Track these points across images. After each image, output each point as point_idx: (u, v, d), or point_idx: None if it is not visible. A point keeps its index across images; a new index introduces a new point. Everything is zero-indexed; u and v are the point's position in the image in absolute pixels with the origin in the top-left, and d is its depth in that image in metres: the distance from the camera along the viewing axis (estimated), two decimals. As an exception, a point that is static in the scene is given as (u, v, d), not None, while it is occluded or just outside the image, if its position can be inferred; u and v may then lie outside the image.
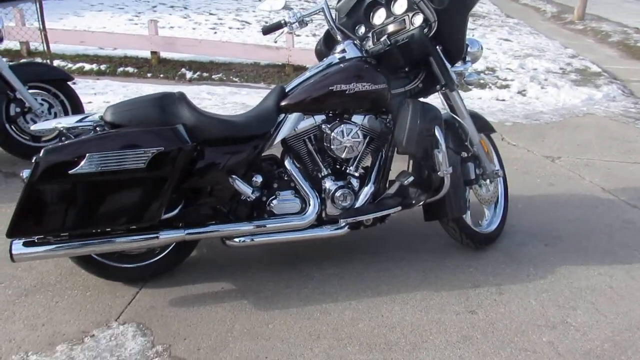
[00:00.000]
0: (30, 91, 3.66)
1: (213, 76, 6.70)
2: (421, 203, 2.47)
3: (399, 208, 2.46)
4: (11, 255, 2.06)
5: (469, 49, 2.59)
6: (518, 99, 6.01)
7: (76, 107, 3.89)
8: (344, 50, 2.46)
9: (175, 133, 2.09)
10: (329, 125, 2.37)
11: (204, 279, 2.46)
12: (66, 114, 3.84)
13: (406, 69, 2.49)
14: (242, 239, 2.33)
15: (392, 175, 2.56)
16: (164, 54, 7.18)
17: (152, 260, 2.40)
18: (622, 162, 4.13)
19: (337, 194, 2.39)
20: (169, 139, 2.07)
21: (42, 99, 3.76)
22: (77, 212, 2.03)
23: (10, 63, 4.17)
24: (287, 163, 2.40)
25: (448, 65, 2.45)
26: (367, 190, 2.46)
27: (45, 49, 5.83)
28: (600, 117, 5.38)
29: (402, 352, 2.05)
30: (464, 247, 2.73)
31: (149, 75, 6.72)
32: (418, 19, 2.39)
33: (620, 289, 2.47)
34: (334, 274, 2.53)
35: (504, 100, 5.95)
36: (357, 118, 2.42)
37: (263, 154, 2.39)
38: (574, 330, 2.20)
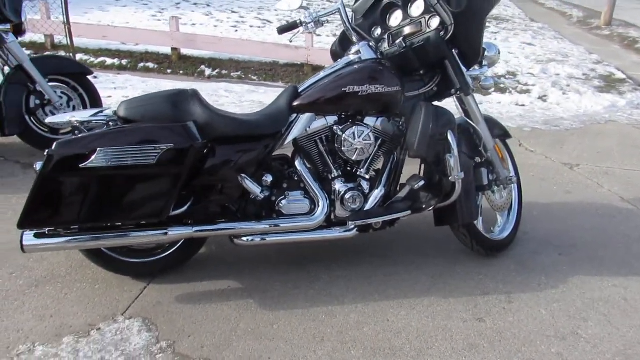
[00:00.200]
0: (50, 84, 3.73)
1: (232, 74, 6.74)
2: (432, 208, 2.44)
3: (409, 212, 2.44)
4: (22, 246, 2.09)
5: (486, 53, 2.55)
6: (538, 104, 5.92)
7: (95, 100, 3.95)
8: (358, 52, 2.45)
9: (186, 130, 2.10)
10: (340, 127, 2.36)
11: (211, 276, 2.47)
12: (85, 107, 3.90)
13: (421, 72, 2.47)
14: (250, 237, 2.33)
15: (403, 179, 2.54)
16: (184, 51, 7.24)
17: (160, 256, 2.41)
18: (643, 171, 4.04)
19: (347, 196, 2.37)
20: (180, 135, 2.08)
21: (62, 92, 3.82)
22: (87, 206, 2.04)
23: (35, 55, 4.26)
24: (298, 163, 2.39)
25: (464, 69, 2.42)
26: (377, 193, 2.44)
27: (69, 42, 5.91)
28: (622, 124, 5.27)
29: (407, 358, 2.03)
30: (475, 253, 2.69)
31: (168, 71, 6.78)
32: (435, 22, 2.36)
33: (635, 302, 2.41)
34: (341, 276, 2.51)
35: (523, 105, 5.86)
36: (369, 120, 2.41)
37: (274, 154, 2.39)
38: (584, 342, 2.15)
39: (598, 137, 4.82)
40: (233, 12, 10.92)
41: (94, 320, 2.15)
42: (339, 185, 2.40)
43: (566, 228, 3.07)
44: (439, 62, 2.37)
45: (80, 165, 1.98)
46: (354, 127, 2.35)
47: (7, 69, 3.64)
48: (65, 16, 5.72)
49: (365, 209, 2.41)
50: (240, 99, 5.59)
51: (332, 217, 2.41)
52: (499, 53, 2.63)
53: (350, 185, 2.41)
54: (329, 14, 2.51)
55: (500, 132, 2.78)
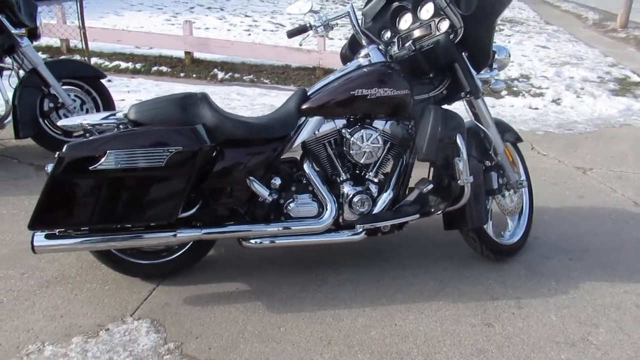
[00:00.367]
0: (64, 87, 3.78)
1: (244, 77, 6.77)
2: (440, 212, 2.42)
3: (417, 216, 2.43)
4: (33, 246, 2.12)
5: (496, 56, 2.54)
6: (552, 107, 5.86)
7: (108, 104, 3.99)
8: (367, 55, 2.45)
9: (195, 133, 2.11)
10: (349, 130, 2.36)
11: (219, 278, 2.48)
12: (98, 110, 3.94)
13: (431, 75, 2.46)
14: (258, 240, 2.34)
15: (412, 183, 2.53)
16: (197, 54, 7.30)
17: (169, 258, 2.43)
18: (658, 176, 3.99)
19: (355, 199, 2.37)
20: (188, 138, 2.09)
21: (75, 95, 3.87)
22: (97, 207, 2.07)
23: (51, 59, 4.32)
24: (306, 166, 2.39)
25: (473, 72, 2.41)
26: (386, 196, 2.43)
27: (84, 46, 5.99)
28: (637, 128, 5.20)
29: (413, 363, 2.02)
30: (484, 258, 2.67)
31: (182, 74, 6.83)
32: (444, 25, 2.36)
33: (647, 309, 2.38)
34: (349, 280, 2.51)
35: (537, 108, 5.80)
36: (378, 123, 2.40)
37: (283, 157, 2.40)
38: (594, 348, 2.12)
39: (612, 141, 4.76)
40: (246, 16, 10.99)
41: (103, 320, 2.17)
42: (347, 189, 2.40)
43: (578, 233, 3.04)
44: (448, 65, 2.36)
45: (90, 168, 2.00)
46: (362, 130, 2.35)
47: (22, 73, 3.70)
48: (80, 20, 5.80)
49: (373, 212, 2.41)
50: (252, 102, 5.62)
51: (340, 220, 2.41)
52: (510, 56, 2.62)
53: (359, 188, 2.41)
54: (338, 17, 2.52)
55: (511, 136, 2.76)
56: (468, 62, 2.38)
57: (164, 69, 6.93)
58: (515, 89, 6.45)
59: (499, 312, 2.32)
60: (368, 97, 2.31)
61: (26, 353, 1.98)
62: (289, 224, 2.36)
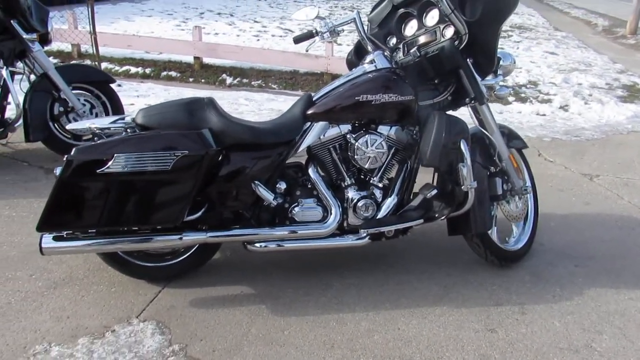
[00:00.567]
0: (74, 92, 3.83)
1: (252, 82, 6.81)
2: (444, 217, 2.43)
3: (421, 221, 2.44)
4: (41, 248, 2.15)
5: (501, 63, 2.54)
6: (559, 114, 5.84)
7: (117, 108, 4.04)
8: (373, 61, 2.47)
9: (201, 137, 2.14)
10: (354, 135, 2.38)
11: (225, 281, 2.50)
12: (107, 114, 3.99)
13: (436, 81, 2.47)
14: (263, 244, 2.36)
15: (417, 188, 2.55)
16: (206, 60, 7.36)
17: (175, 261, 2.46)
18: (665, 183, 3.96)
19: (359, 204, 2.39)
20: (195, 142, 2.12)
21: (85, 100, 3.92)
22: (104, 210, 2.10)
23: (62, 64, 4.38)
24: (311, 171, 2.41)
25: (478, 79, 2.42)
26: (390, 201, 2.45)
27: (95, 51, 6.06)
28: (645, 135, 5.18)
29: (416, 367, 2.03)
30: (489, 264, 2.67)
31: (191, 79, 6.89)
32: (449, 31, 2.37)
33: (652, 316, 2.37)
34: (353, 284, 2.52)
35: (544, 115, 5.79)
36: (383, 129, 2.42)
37: (288, 161, 2.41)
38: (597, 355, 2.12)
39: (619, 148, 4.74)
40: (255, 21, 11.07)
41: (109, 322, 2.20)
42: (351, 193, 2.41)
43: (583, 240, 3.03)
44: (453, 71, 2.37)
45: (98, 171, 2.04)
46: (366, 136, 2.36)
47: (33, 77, 3.75)
48: (91, 26, 5.87)
49: (377, 217, 2.42)
50: (260, 107, 5.66)
51: (345, 224, 2.43)
52: (515, 62, 2.62)
53: (363, 193, 2.42)
54: (344, 23, 2.54)
55: (516, 142, 2.76)
56: (473, 69, 2.39)
57: (173, 73, 6.99)
58: (523, 95, 6.44)
59: (502, 317, 2.33)
60: (373, 102, 2.33)
61: (33, 353, 2.01)
62: (294, 228, 2.38)
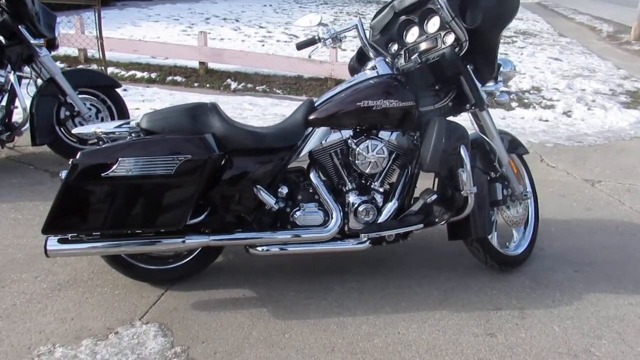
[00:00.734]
0: (80, 96, 3.87)
1: (257, 87, 6.86)
2: (444, 222, 2.46)
3: (421, 225, 2.46)
4: (46, 250, 2.19)
5: (501, 69, 2.57)
6: (562, 119, 5.86)
7: (122, 112, 4.08)
8: (374, 67, 2.50)
9: (204, 142, 2.17)
10: (355, 140, 2.40)
11: (227, 284, 2.53)
12: (112, 119, 4.04)
13: (437, 87, 2.50)
14: (264, 247, 2.39)
15: (417, 193, 2.57)
16: (211, 65, 7.41)
17: (178, 264, 2.48)
18: (668, 189, 3.97)
19: (360, 208, 2.41)
20: (198, 147, 2.15)
21: (91, 104, 3.97)
22: (108, 213, 2.13)
23: (68, 69, 4.43)
24: (313, 176, 2.44)
25: (478, 85, 2.44)
26: (391, 206, 2.47)
27: (101, 56, 6.12)
28: (648, 141, 5.19)
29: (415, 370, 2.05)
30: (489, 268, 2.69)
31: (196, 84, 6.94)
32: (450, 38, 2.40)
33: (651, 321, 2.38)
34: (354, 288, 2.54)
35: (547, 120, 5.80)
36: (384, 134, 2.45)
37: (290, 166, 2.44)
38: (596, 360, 2.13)
39: (622, 154, 4.75)
40: (261, 27, 11.13)
41: (112, 324, 2.23)
42: (352, 198, 2.44)
43: (584, 245, 3.04)
44: (454, 77, 2.39)
45: (103, 174, 2.07)
46: (367, 141, 2.39)
47: (39, 82, 3.81)
48: (98, 31, 5.93)
49: (378, 221, 2.45)
50: (264, 112, 5.69)
51: (346, 229, 2.45)
52: (515, 69, 2.65)
53: (364, 198, 2.45)
54: (346, 30, 2.57)
55: (516, 148, 2.78)
56: (473, 75, 2.41)
57: (178, 78, 7.05)
58: (526, 101, 6.46)
59: (502, 322, 2.34)
60: (374, 108, 2.36)
61: (37, 354, 2.04)
62: (295, 232, 2.40)
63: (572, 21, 16.27)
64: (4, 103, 3.73)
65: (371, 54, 2.56)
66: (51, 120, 3.79)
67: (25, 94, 3.77)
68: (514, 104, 6.28)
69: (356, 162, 2.40)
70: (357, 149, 2.38)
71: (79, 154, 2.07)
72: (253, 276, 2.61)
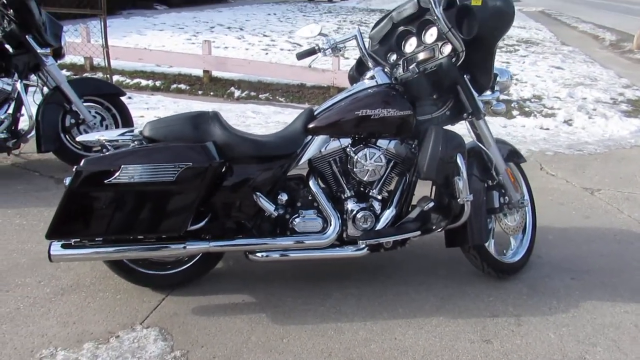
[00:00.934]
0: (85, 104, 3.94)
1: (260, 95, 6.92)
2: (441, 229, 2.49)
3: (419, 233, 2.49)
4: (49, 255, 2.24)
5: (498, 79, 2.61)
6: (563, 128, 5.88)
7: (126, 120, 4.14)
8: (373, 77, 2.54)
9: (205, 150, 2.22)
10: (353, 149, 2.45)
11: (227, 290, 2.57)
12: (117, 126, 4.10)
13: (434, 97, 2.53)
14: (264, 254, 2.42)
15: (415, 200, 2.60)
16: (215, 73, 7.48)
17: (179, 269, 2.52)
18: (667, 198, 3.99)
19: (358, 215, 2.45)
20: (199, 154, 2.20)
21: (96, 112, 4.03)
22: (111, 219, 2.18)
23: (74, 77, 4.50)
24: (312, 183, 2.48)
25: (475, 94, 2.48)
26: (389, 213, 2.50)
27: (106, 64, 6.20)
28: (648, 150, 5.21)
29: (411, 376, 2.07)
30: (486, 275, 2.71)
31: (199, 92, 7.01)
32: (447, 49, 2.45)
33: (647, 329, 2.40)
34: (352, 294, 2.57)
35: (548, 129, 5.83)
36: (382, 143, 2.49)
37: (290, 173, 2.48)
38: (591, 367, 2.15)
39: (622, 162, 4.77)
40: (265, 35, 11.23)
41: (113, 328, 2.27)
42: (351, 205, 2.48)
43: (581, 253, 3.07)
44: (451, 87, 2.44)
45: (106, 181, 2.12)
46: (366, 149, 2.43)
47: (45, 90, 3.88)
48: (104, 39, 6.02)
49: (376, 228, 2.48)
50: (267, 120, 5.75)
51: (344, 236, 2.49)
52: (512, 78, 2.69)
53: (362, 205, 2.48)
54: (345, 40, 2.62)
55: (514, 156, 2.82)
56: (470, 84, 2.45)
57: (182, 86, 7.12)
58: (527, 109, 6.49)
59: (498, 329, 2.37)
60: (372, 117, 2.40)
61: (40, 357, 2.08)
62: (294, 239, 2.44)
63: (575, 30, 16.32)
64: (10, 111, 3.80)
65: (370, 64, 2.60)
66: (56, 127, 3.85)
67: (32, 102, 3.84)
68: (515, 112, 6.31)
69: (355, 169, 2.44)
70: (356, 157, 2.42)
71: (82, 161, 2.13)
72: (252, 282, 2.64)
